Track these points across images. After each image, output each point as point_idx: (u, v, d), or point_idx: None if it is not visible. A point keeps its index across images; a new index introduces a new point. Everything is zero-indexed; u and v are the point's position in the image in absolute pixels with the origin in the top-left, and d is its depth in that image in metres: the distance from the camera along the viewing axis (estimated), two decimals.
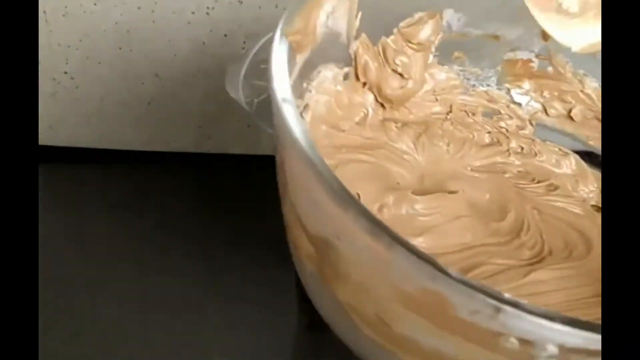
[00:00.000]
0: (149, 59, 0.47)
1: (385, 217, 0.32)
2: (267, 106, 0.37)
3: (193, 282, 0.41)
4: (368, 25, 0.34)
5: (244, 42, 0.46)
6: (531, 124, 0.39)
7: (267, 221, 0.46)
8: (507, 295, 0.21)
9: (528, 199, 0.37)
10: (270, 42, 0.39)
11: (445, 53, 0.36)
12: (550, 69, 0.36)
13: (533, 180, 0.38)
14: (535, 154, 0.39)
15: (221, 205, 0.47)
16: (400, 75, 0.35)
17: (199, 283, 0.41)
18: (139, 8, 0.46)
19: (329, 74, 0.34)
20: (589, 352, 0.21)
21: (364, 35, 0.34)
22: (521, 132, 0.39)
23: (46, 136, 0.50)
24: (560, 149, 0.39)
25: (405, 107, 0.37)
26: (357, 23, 0.34)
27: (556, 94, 0.37)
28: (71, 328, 0.38)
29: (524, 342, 0.21)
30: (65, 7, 0.46)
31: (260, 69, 0.38)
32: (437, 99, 0.37)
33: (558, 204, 0.37)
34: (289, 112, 0.26)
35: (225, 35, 0.47)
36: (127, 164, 0.51)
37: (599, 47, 0.32)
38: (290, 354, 0.36)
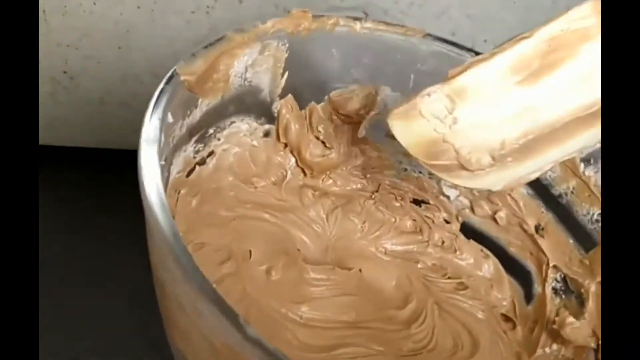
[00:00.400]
0: (148, 58, 0.47)
1: (272, 278, 0.31)
2: None
3: None
4: (296, 86, 0.33)
5: None
6: (457, 219, 0.38)
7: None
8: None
9: (433, 293, 0.36)
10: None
11: (380, 131, 0.34)
12: None
13: (444, 275, 0.37)
14: (455, 250, 0.37)
15: None
16: (323, 143, 0.35)
17: None
18: (138, 7, 0.46)
19: (243, 127, 0.33)
20: None
21: (290, 96, 0.34)
22: (447, 225, 0.38)
23: (46, 136, 0.50)
24: (482, 250, 0.38)
25: (330, 177, 0.36)
26: (282, 82, 0.33)
27: (485, 193, 0.36)
28: (71, 328, 0.38)
29: None
30: (65, 6, 0.46)
31: None
32: (365, 176, 0.36)
33: (462, 304, 0.36)
34: (146, 153, 0.25)
35: None
36: (127, 164, 0.51)
37: (524, 182, 0.31)
38: None
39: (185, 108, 0.29)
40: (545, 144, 0.30)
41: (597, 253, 0.33)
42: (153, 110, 0.27)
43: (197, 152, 0.32)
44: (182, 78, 0.28)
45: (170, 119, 0.27)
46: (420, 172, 0.36)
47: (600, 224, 0.32)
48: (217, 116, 0.32)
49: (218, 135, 0.33)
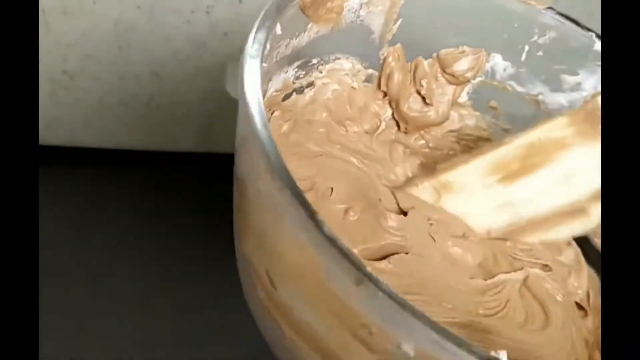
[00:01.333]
0: (148, 58, 0.47)
1: (350, 219, 0.31)
2: None
3: (193, 282, 0.41)
4: (407, 37, 0.33)
5: (244, 42, 0.46)
6: None
7: None
8: (368, 269, 0.20)
9: (516, 269, 0.35)
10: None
11: (482, 99, 0.34)
12: None
13: (531, 256, 0.37)
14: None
15: (221, 205, 0.47)
16: (423, 99, 0.34)
17: (198, 283, 0.41)
18: (138, 7, 0.46)
19: (346, 65, 0.33)
20: None
21: (399, 45, 0.33)
22: None
23: (46, 136, 0.50)
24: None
25: (423, 137, 0.35)
26: (394, 29, 0.32)
27: None
28: (71, 328, 0.38)
29: (382, 333, 0.21)
30: (65, 6, 0.46)
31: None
32: (459, 143, 0.35)
33: (545, 284, 0.35)
34: (249, 66, 0.25)
35: (225, 35, 0.47)
36: (127, 164, 0.51)
37: None
38: None
39: (294, 27, 0.29)
40: (529, 232, 0.33)
41: None
42: (264, 17, 0.27)
43: (297, 77, 0.31)
44: None
45: (279, 30, 0.27)
46: None
47: None
48: (324, 47, 0.32)
49: (320, 67, 0.32)
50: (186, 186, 0.49)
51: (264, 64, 0.26)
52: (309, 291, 0.23)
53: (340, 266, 0.21)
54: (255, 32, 0.27)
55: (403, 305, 0.20)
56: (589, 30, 0.32)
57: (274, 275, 0.25)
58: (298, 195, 0.21)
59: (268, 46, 0.27)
